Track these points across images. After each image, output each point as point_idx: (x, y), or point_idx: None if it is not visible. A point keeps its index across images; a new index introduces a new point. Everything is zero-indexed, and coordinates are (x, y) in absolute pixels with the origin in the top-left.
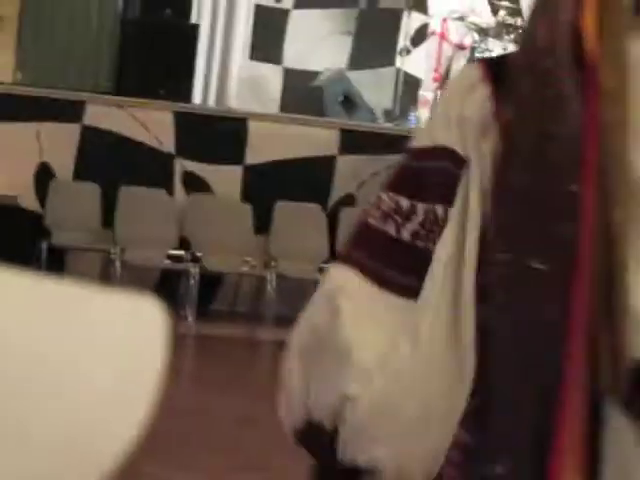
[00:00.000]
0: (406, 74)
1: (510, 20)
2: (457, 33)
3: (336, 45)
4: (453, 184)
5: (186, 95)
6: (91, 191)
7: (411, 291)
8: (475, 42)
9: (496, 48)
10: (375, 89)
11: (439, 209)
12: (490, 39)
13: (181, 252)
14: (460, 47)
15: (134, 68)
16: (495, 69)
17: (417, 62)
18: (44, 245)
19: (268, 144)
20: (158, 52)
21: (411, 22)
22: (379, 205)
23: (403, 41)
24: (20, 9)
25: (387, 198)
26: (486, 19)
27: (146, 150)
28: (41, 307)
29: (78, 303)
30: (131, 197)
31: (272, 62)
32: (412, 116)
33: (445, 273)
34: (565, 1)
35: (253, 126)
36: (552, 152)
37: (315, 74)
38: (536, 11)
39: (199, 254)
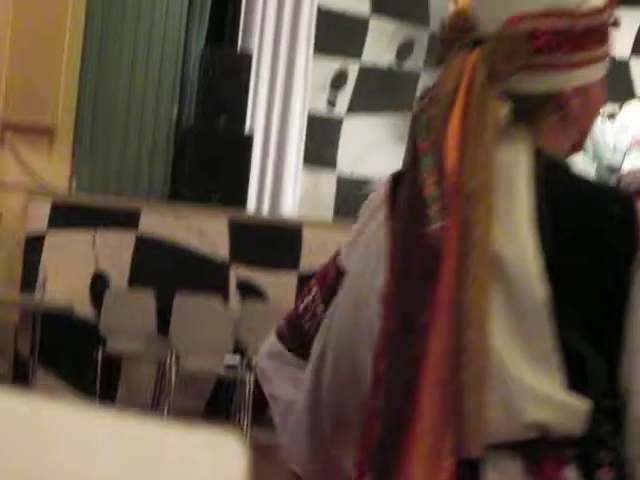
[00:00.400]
0: None
1: None
2: None
3: (390, 151)
4: (333, 290)
5: (241, 203)
6: (146, 299)
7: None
8: None
9: None
10: None
11: (320, 307)
12: None
13: (236, 360)
14: None
15: (189, 176)
16: (395, 187)
17: None
18: (99, 353)
19: (322, 251)
20: (212, 160)
21: None
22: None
23: None
24: (76, 118)
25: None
26: None
27: (200, 257)
28: (120, 450)
29: (156, 445)
30: (186, 305)
31: (326, 169)
32: None
33: (313, 364)
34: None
35: (307, 233)
36: (414, 256)
37: (369, 181)
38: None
39: (254, 362)
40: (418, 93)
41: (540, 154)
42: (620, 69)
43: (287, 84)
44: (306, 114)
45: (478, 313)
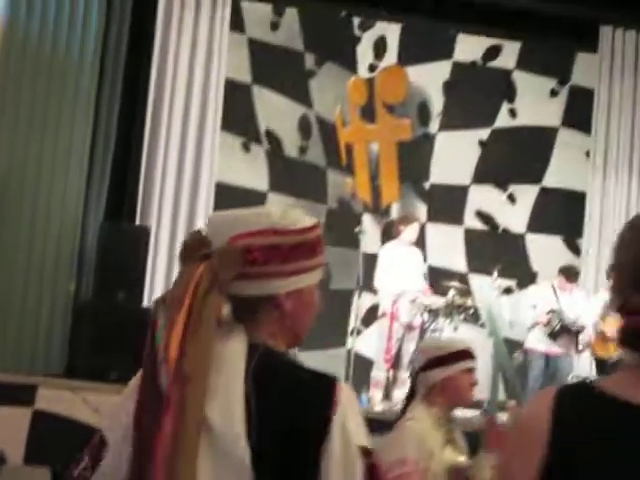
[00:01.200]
0: (357, 355)
1: (459, 301)
2: (407, 314)
3: None
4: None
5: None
6: (41, 476)
7: None
8: (425, 322)
9: (446, 328)
10: (326, 370)
11: (89, 472)
12: (440, 319)
13: None
14: (410, 327)
15: (86, 351)
16: None
17: (368, 342)
18: None
19: None
20: (110, 335)
21: (362, 302)
22: None
23: (354, 322)
24: None
25: None
26: (435, 300)
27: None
28: None
29: None
30: None
31: None
32: (363, 397)
33: None
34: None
35: None
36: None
37: None
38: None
39: None
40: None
41: (256, 346)
42: (516, 244)
43: None
44: None
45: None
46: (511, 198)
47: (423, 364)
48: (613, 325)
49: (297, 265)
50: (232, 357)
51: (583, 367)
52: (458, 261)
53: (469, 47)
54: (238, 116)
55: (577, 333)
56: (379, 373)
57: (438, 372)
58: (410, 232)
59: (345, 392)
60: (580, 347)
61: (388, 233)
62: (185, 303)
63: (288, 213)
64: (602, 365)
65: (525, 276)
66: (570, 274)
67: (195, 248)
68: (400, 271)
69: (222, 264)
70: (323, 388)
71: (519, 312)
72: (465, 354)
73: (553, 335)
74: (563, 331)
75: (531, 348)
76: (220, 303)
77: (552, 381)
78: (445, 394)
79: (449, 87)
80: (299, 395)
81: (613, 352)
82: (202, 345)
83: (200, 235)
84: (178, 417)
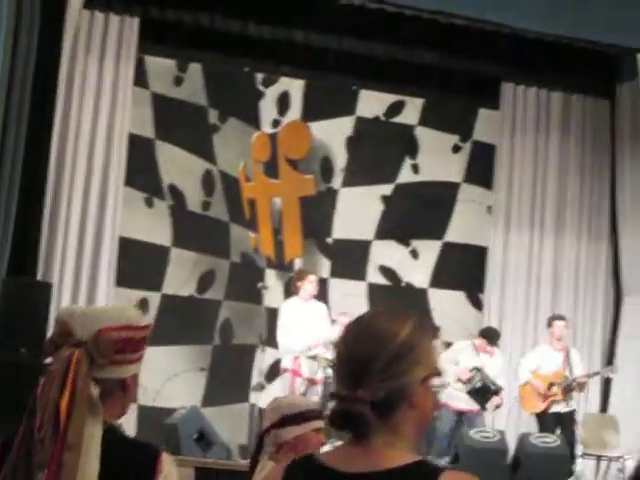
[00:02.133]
0: (260, 410)
1: None
2: (309, 369)
3: (190, 381)
4: None
5: None
6: None
7: None
8: (328, 377)
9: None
10: (230, 425)
11: None
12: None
13: None
14: (313, 382)
15: None
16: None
17: (271, 398)
18: None
19: None
20: (12, 392)
21: (265, 358)
22: None
23: (257, 377)
24: None
25: None
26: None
27: None
28: None
29: None
30: None
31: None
32: None
33: None
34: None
35: None
36: None
37: (170, 411)
38: None
39: None
40: (219, 322)
41: (105, 421)
42: (419, 299)
43: None
44: None
45: None
46: (414, 253)
47: (277, 421)
48: (539, 381)
49: (140, 354)
50: (90, 435)
51: (498, 423)
52: None
53: (372, 103)
54: (142, 171)
55: (495, 393)
56: None
57: (290, 430)
58: (308, 287)
59: (168, 462)
60: (489, 406)
61: (291, 288)
62: (67, 383)
63: (137, 312)
64: (541, 419)
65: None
66: (493, 338)
67: (66, 335)
68: (302, 327)
69: (99, 351)
70: (147, 458)
71: None
72: (317, 413)
73: (472, 392)
74: (481, 390)
75: (444, 403)
76: (90, 384)
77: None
78: (295, 452)
79: (352, 143)
80: (126, 466)
81: (541, 407)
82: (79, 421)
83: (67, 325)
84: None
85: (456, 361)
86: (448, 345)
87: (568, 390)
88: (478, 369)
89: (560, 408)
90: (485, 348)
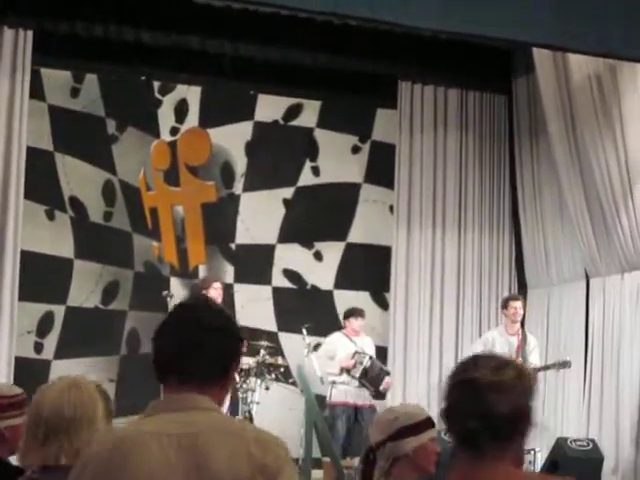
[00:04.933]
0: None
1: (270, 360)
2: None
3: None
4: None
5: None
6: None
7: None
8: (237, 382)
9: (257, 387)
10: None
11: None
12: (252, 378)
13: None
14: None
15: None
16: None
17: None
18: None
19: None
20: None
21: None
22: None
23: None
24: None
25: None
26: (246, 360)
27: None
28: None
29: None
30: None
31: None
32: None
33: None
34: None
35: None
36: None
37: None
38: None
39: None
40: (125, 332)
41: None
42: (325, 301)
43: None
44: (13, 359)
45: None
46: (318, 255)
47: (393, 433)
48: None
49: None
50: None
51: None
52: (267, 320)
53: (270, 107)
54: (41, 184)
55: (387, 373)
56: None
57: (408, 442)
58: (213, 293)
59: None
60: (384, 387)
61: None
62: None
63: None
64: None
65: (335, 332)
66: (357, 312)
67: None
68: None
69: None
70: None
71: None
72: (431, 421)
73: (362, 375)
74: (371, 369)
75: (336, 402)
76: None
77: (361, 434)
78: (414, 464)
79: (252, 147)
80: None
81: None
82: None
83: None
84: None
85: (332, 355)
86: None
87: None
88: (358, 352)
89: None
90: (356, 331)
